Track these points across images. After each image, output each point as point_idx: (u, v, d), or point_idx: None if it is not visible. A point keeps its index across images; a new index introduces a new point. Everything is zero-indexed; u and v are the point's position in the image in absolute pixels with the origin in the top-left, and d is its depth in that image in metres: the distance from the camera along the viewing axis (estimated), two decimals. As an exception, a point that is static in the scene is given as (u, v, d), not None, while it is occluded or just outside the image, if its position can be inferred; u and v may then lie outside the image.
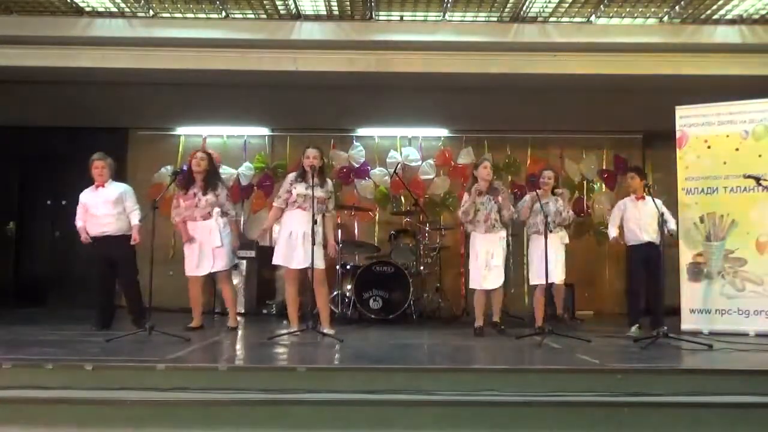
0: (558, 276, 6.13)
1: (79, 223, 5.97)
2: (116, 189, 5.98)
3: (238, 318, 7.52)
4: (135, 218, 5.90)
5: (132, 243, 5.86)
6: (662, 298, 5.68)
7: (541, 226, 5.87)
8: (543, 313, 5.91)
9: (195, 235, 5.94)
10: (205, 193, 5.97)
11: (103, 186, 5.95)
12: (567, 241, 6.42)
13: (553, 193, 6.25)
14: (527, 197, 6.36)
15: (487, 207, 6.01)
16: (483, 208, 6.01)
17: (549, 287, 5.88)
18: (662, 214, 5.62)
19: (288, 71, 7.47)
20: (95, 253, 5.94)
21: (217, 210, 5.97)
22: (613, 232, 6.38)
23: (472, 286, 6.14)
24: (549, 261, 5.57)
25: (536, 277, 6.08)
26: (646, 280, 6.15)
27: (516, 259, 8.27)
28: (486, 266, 5.94)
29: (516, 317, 7.42)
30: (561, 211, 6.24)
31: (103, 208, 5.87)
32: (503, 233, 6.12)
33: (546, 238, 5.55)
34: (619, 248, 7.59)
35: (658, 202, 5.84)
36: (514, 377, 3.95)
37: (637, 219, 6.23)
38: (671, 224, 6.05)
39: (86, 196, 5.99)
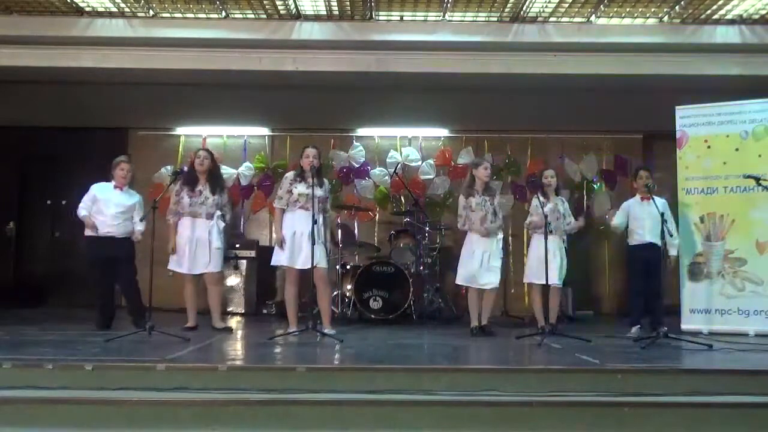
0: (552, 278, 5.99)
1: (83, 212, 5.85)
2: (133, 197, 6.01)
3: (238, 318, 7.54)
4: (140, 226, 5.88)
5: (135, 240, 5.91)
6: (661, 299, 5.68)
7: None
8: (542, 314, 5.93)
9: (189, 232, 5.86)
10: (213, 192, 5.97)
11: (122, 189, 5.97)
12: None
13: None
14: (533, 203, 6.16)
15: (483, 208, 5.93)
16: (479, 209, 5.93)
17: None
18: (662, 214, 5.60)
19: (288, 71, 7.47)
20: (96, 253, 5.91)
21: (218, 213, 5.95)
22: (614, 221, 6.41)
23: (458, 281, 6.06)
24: (548, 262, 5.57)
25: (530, 276, 6.11)
26: (646, 280, 6.12)
27: (516, 259, 8.28)
28: (481, 266, 5.86)
29: (516, 317, 7.42)
30: (565, 214, 6.13)
31: (115, 209, 5.86)
32: (500, 235, 6.04)
33: (546, 238, 5.55)
34: (618, 247, 7.58)
35: (661, 201, 5.84)
36: (514, 377, 3.96)
37: (642, 219, 6.15)
38: (669, 225, 5.98)
39: (101, 191, 5.96)
